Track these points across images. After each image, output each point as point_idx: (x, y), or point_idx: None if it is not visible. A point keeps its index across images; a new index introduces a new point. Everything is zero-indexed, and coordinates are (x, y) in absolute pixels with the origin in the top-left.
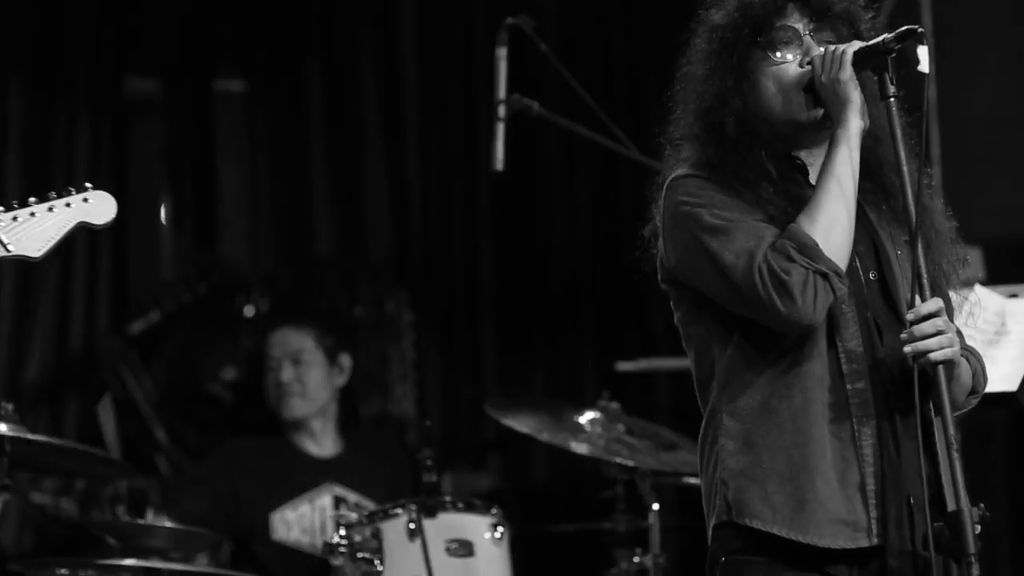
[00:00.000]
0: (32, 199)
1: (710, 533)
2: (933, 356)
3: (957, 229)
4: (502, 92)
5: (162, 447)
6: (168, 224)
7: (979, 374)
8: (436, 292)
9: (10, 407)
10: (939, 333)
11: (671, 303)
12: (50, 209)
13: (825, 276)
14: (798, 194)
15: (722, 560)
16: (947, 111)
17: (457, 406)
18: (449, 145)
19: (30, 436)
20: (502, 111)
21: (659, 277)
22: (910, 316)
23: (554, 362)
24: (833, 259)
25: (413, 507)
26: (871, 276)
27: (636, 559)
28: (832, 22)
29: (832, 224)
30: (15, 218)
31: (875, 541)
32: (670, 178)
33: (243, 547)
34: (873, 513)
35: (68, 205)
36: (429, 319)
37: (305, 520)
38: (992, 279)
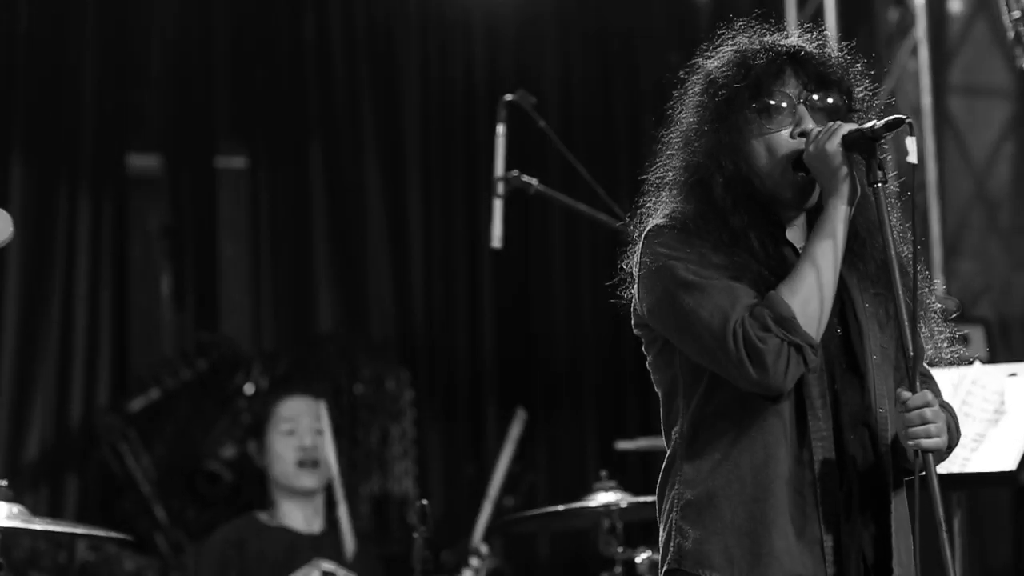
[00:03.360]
0: None
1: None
2: (920, 444)
3: (958, 306)
4: (500, 169)
5: (161, 525)
6: (169, 300)
7: (953, 429)
8: (437, 370)
9: (4, 483)
10: (927, 423)
11: (643, 347)
12: None
13: (799, 349)
14: (775, 254)
15: None
16: (948, 191)
17: (458, 485)
18: (451, 223)
19: (21, 525)
20: (500, 188)
21: (632, 321)
22: (901, 407)
23: (556, 440)
24: (809, 331)
25: None
26: (836, 331)
27: None
28: (827, 88)
29: (810, 296)
30: None
31: None
32: (648, 227)
33: None
34: (830, 570)
35: None
36: (430, 397)
37: None
38: (993, 358)
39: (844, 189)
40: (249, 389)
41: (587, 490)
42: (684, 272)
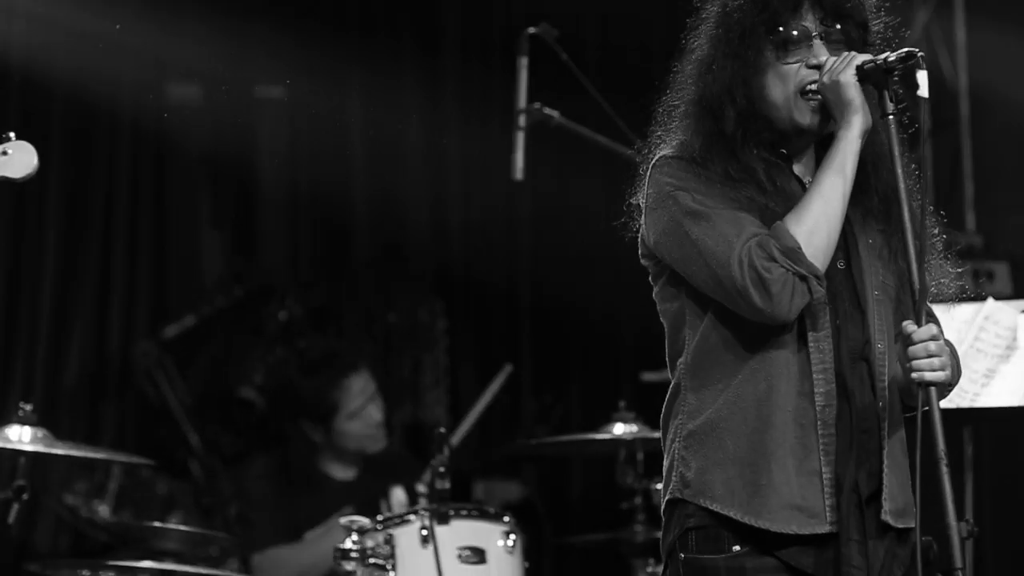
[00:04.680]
0: None
1: (663, 506)
2: (924, 377)
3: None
4: (523, 101)
5: (195, 452)
6: (207, 228)
7: (954, 367)
8: (472, 301)
9: (29, 408)
10: (931, 356)
11: (649, 277)
12: None
13: (804, 279)
14: (782, 188)
15: (680, 535)
16: (979, 128)
17: (490, 415)
18: (490, 156)
19: (43, 449)
20: (522, 120)
21: (639, 252)
22: (907, 340)
23: (589, 372)
24: (814, 262)
25: (426, 513)
26: (839, 265)
27: (649, 569)
28: (844, 23)
29: (817, 227)
30: None
31: (828, 528)
32: (656, 157)
33: None
34: (828, 501)
35: None
36: (464, 327)
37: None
38: (1019, 293)
39: (856, 120)
40: (283, 316)
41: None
42: (690, 202)
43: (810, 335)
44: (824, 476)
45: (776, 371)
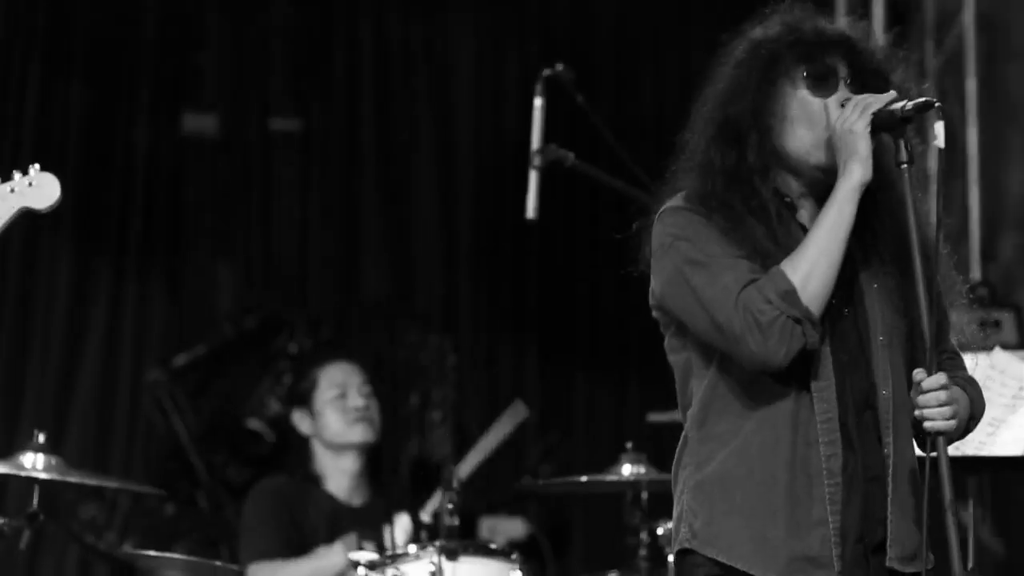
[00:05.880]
0: None
1: (672, 557)
2: (935, 426)
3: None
4: (537, 142)
5: (202, 482)
6: (220, 259)
7: (976, 401)
8: (480, 338)
9: (42, 436)
10: (941, 406)
11: (660, 328)
12: None
13: (798, 322)
14: (787, 233)
15: None
16: (987, 178)
17: (497, 451)
18: (500, 193)
19: (57, 477)
20: (537, 160)
21: (650, 302)
22: (917, 389)
23: (595, 409)
24: (809, 306)
25: (435, 551)
26: (845, 312)
27: None
28: (868, 74)
29: (813, 272)
30: None
31: None
32: (662, 209)
33: None
34: (836, 551)
35: (12, 191)
36: (472, 364)
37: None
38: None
39: (855, 170)
40: (293, 349)
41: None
42: (691, 251)
43: (813, 384)
44: (832, 526)
45: (781, 421)
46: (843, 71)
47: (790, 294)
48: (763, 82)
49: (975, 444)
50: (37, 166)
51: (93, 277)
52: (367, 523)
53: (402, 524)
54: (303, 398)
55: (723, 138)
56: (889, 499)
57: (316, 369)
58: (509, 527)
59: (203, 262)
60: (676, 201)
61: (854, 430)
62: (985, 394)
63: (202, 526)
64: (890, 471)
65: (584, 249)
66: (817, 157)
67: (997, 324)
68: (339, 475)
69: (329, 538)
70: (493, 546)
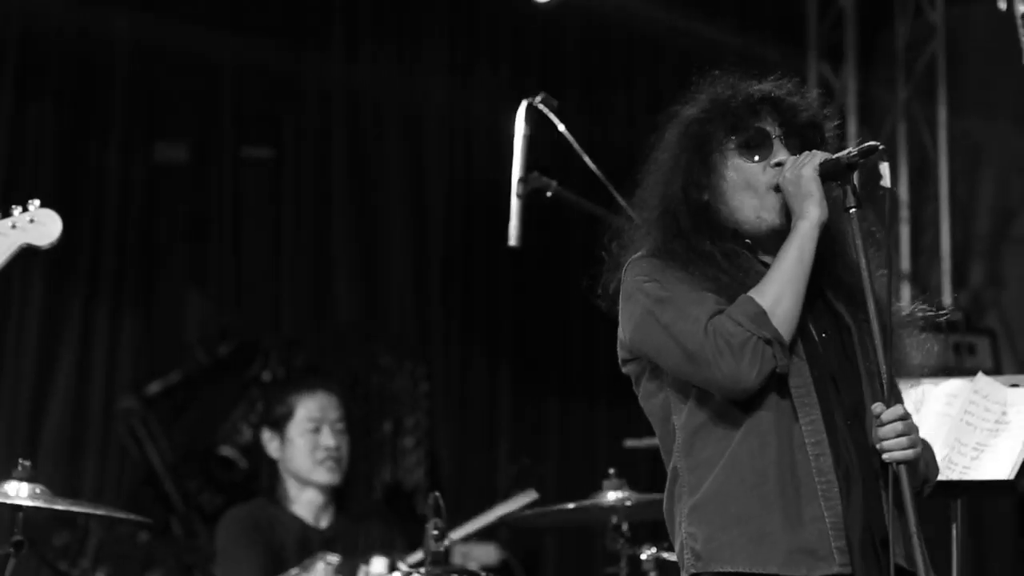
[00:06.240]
0: None
1: None
2: (895, 456)
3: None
4: (519, 170)
5: (176, 509)
6: (191, 287)
7: (930, 463)
8: (453, 365)
9: (27, 464)
10: (899, 436)
11: (632, 384)
12: None
13: (768, 343)
14: (746, 269)
15: None
16: (956, 206)
17: (468, 477)
18: (472, 220)
19: (44, 505)
20: (520, 188)
21: (619, 359)
22: (876, 421)
23: (568, 436)
24: (779, 329)
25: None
26: (823, 335)
27: None
28: (801, 128)
29: (781, 298)
30: None
31: (837, 569)
32: (628, 261)
33: None
34: (835, 543)
35: (14, 227)
36: (445, 390)
37: None
38: (999, 367)
39: (813, 211)
40: (267, 377)
41: (596, 487)
42: (658, 290)
43: (793, 392)
44: (828, 520)
45: (765, 429)
46: (776, 131)
47: (760, 315)
48: (694, 159)
49: (959, 469)
50: (37, 202)
51: (64, 304)
52: (334, 545)
53: (376, 569)
54: (276, 423)
55: (661, 215)
56: (884, 501)
57: (294, 396)
58: (482, 553)
59: (175, 289)
60: (640, 253)
61: (844, 432)
62: (969, 419)
63: (176, 553)
64: (883, 477)
65: (557, 274)
66: (769, 221)
67: (972, 349)
68: (304, 501)
69: (298, 559)
70: (475, 572)
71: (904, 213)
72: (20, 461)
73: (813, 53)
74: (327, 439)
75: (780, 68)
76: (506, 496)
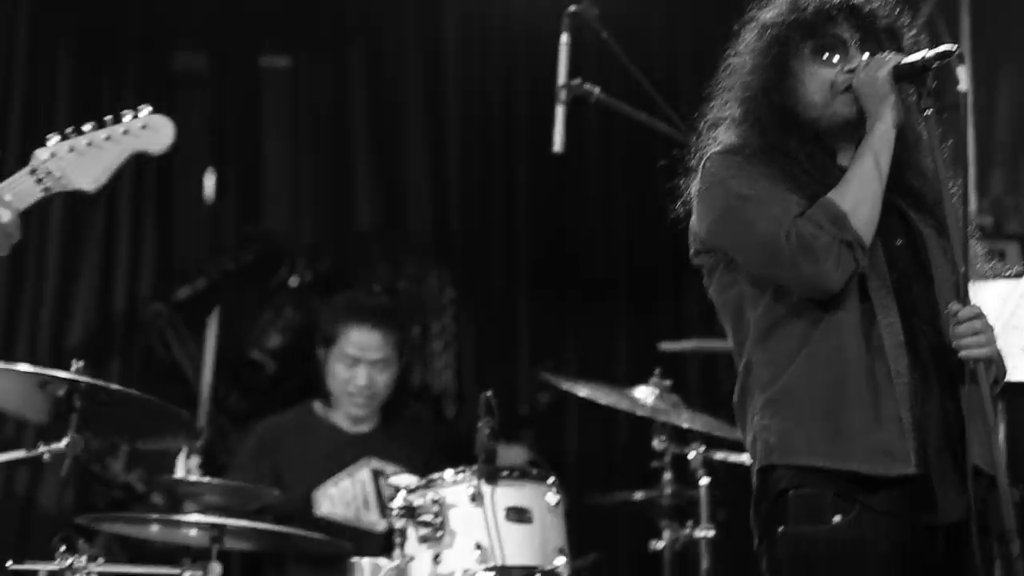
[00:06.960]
0: (87, 127)
1: (755, 478)
2: (971, 354)
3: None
4: (563, 77)
5: (205, 411)
6: (212, 195)
7: (1000, 363)
8: (473, 270)
9: (81, 364)
10: (976, 334)
11: (704, 279)
12: (107, 138)
13: (850, 245)
14: (827, 173)
15: (768, 499)
16: (979, 112)
17: (491, 381)
18: (489, 125)
19: (101, 383)
20: (564, 95)
21: (691, 252)
22: (953, 320)
23: (588, 341)
24: (860, 232)
25: (475, 474)
26: (897, 243)
27: (686, 531)
28: (877, 36)
29: (861, 201)
30: (71, 148)
31: (913, 470)
32: (706, 155)
33: (286, 524)
34: (911, 444)
35: (126, 132)
36: (464, 295)
37: (347, 494)
38: None
39: (888, 113)
40: (293, 282)
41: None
42: (741, 187)
43: (873, 295)
44: (904, 420)
45: (845, 330)
46: (852, 38)
47: (841, 219)
48: (771, 63)
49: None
50: (148, 108)
51: (86, 211)
52: (379, 447)
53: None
54: (326, 340)
55: (743, 116)
56: (963, 401)
57: (342, 324)
58: (511, 454)
59: (196, 195)
60: (719, 148)
61: (921, 333)
62: (1016, 321)
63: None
64: (961, 379)
65: (576, 179)
66: (843, 113)
67: (1002, 255)
68: (343, 411)
69: (343, 466)
70: (529, 470)
71: None
72: (74, 361)
73: None
74: (360, 378)
75: None
76: (530, 400)
